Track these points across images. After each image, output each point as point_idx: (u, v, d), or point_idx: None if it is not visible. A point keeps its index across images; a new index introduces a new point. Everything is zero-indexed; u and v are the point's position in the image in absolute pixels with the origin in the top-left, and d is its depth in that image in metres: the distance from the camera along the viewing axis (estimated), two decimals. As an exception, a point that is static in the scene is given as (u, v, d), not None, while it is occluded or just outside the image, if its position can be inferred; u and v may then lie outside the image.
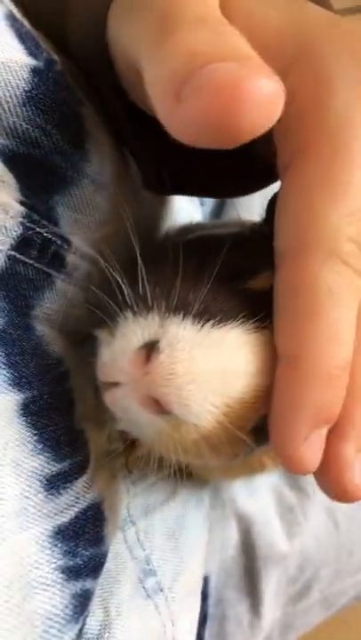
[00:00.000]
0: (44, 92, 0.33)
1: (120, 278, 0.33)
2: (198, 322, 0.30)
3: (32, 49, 0.34)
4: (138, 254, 0.34)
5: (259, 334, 0.30)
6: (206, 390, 0.29)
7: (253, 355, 0.30)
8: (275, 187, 0.32)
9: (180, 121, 0.22)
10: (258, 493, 0.61)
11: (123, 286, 0.32)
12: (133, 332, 0.30)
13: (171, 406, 0.29)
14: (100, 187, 0.38)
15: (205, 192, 0.47)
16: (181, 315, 0.30)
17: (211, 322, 0.30)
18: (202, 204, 0.69)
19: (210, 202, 0.69)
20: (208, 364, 0.29)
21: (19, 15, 0.36)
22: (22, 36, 0.34)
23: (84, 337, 0.42)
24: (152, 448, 0.34)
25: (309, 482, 0.63)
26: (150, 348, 0.29)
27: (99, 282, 0.38)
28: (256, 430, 0.32)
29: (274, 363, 0.29)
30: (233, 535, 0.59)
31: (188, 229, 0.51)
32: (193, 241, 0.38)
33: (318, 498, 0.63)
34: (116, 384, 0.31)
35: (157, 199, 0.50)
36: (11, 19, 0.34)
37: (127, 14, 0.29)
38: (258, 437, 0.32)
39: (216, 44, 0.22)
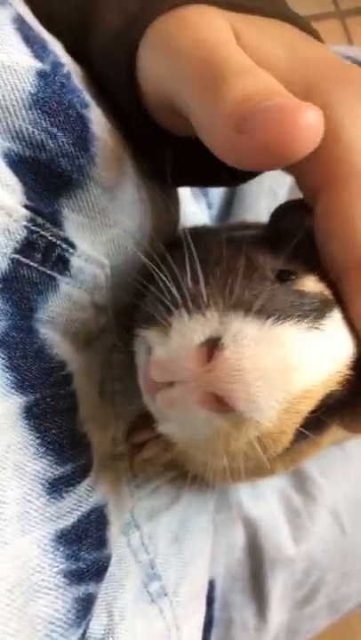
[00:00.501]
0: (50, 94, 0.33)
1: (166, 277, 0.32)
2: (259, 318, 0.29)
3: (38, 52, 0.34)
4: (187, 253, 0.33)
5: (313, 334, 0.30)
6: (272, 386, 0.28)
7: (310, 352, 0.30)
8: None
9: (242, 149, 0.27)
10: (264, 497, 0.61)
11: (169, 285, 0.32)
12: (192, 329, 0.29)
13: (237, 403, 0.28)
14: (107, 190, 0.38)
15: (204, 182, 0.49)
16: (242, 311, 0.29)
17: (271, 319, 0.29)
18: (209, 208, 0.69)
19: (216, 205, 0.69)
20: (273, 360, 0.28)
21: (27, 17, 0.36)
22: (29, 39, 0.34)
23: (89, 339, 0.42)
24: (197, 451, 0.33)
25: (316, 485, 0.63)
26: (211, 346, 0.29)
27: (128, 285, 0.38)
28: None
29: (325, 362, 0.30)
30: (239, 538, 0.59)
31: (209, 230, 0.51)
32: (228, 240, 0.38)
33: (325, 502, 0.62)
34: (170, 384, 0.30)
35: (167, 202, 0.50)
36: (18, 21, 0.34)
37: (163, 55, 0.33)
38: (300, 434, 0.32)
39: (261, 87, 0.28)
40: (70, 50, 0.38)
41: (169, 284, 0.32)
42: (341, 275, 0.32)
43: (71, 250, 0.37)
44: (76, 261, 0.37)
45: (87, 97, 0.37)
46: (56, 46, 0.37)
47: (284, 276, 0.34)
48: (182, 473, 0.52)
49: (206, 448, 0.32)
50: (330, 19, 1.66)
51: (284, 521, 0.60)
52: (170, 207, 0.49)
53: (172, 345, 0.30)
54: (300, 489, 0.63)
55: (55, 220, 0.36)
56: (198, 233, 0.49)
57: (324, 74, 0.31)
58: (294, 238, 0.36)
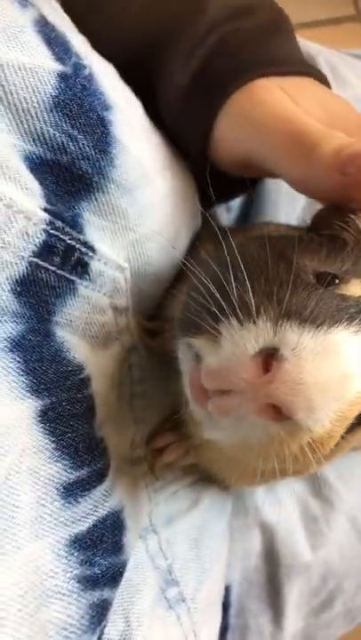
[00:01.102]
0: (71, 97, 0.33)
1: (209, 282, 0.32)
2: (314, 326, 0.29)
3: (60, 54, 0.34)
4: (230, 259, 0.33)
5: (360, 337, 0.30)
6: (331, 397, 0.29)
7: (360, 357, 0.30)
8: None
9: (348, 187, 0.37)
10: (282, 503, 0.60)
11: (214, 292, 0.31)
12: (246, 338, 0.29)
13: (297, 414, 0.28)
14: (126, 192, 0.38)
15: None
16: (296, 321, 0.29)
17: (324, 327, 0.29)
18: (228, 211, 0.68)
19: (235, 209, 0.69)
20: (331, 371, 0.29)
21: (51, 16, 0.36)
22: (51, 41, 0.34)
23: (108, 341, 0.41)
24: (247, 455, 0.33)
25: (334, 491, 0.62)
26: (266, 356, 0.29)
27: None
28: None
29: None
30: (256, 544, 0.58)
31: (244, 231, 0.51)
32: (267, 241, 0.38)
33: (343, 508, 0.61)
34: (226, 392, 0.30)
35: (191, 205, 0.50)
36: (40, 24, 0.34)
37: (242, 126, 0.42)
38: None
39: (344, 141, 0.37)
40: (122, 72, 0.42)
41: (214, 291, 0.31)
42: None
43: (91, 253, 0.37)
44: (95, 265, 0.37)
45: (110, 99, 0.37)
46: (80, 46, 0.37)
47: (325, 279, 0.33)
48: (202, 477, 0.52)
49: (258, 452, 0.31)
50: (350, 22, 1.65)
51: (301, 527, 0.59)
52: (194, 210, 0.49)
53: (224, 354, 0.30)
54: (318, 495, 0.61)
55: (76, 224, 0.35)
56: (233, 234, 0.48)
57: (349, 125, 0.39)
58: (334, 240, 0.37)
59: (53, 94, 0.32)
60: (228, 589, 0.56)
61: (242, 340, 0.29)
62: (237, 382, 0.29)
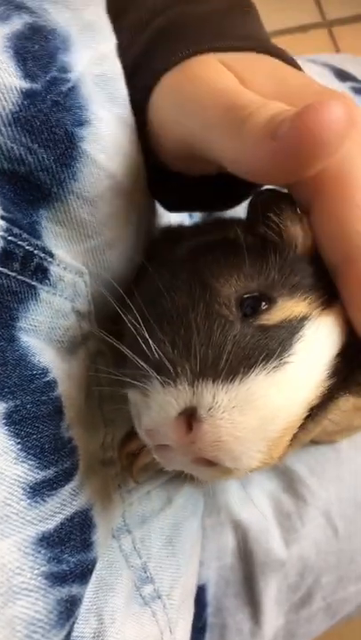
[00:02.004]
0: (34, 113, 0.34)
1: (136, 331, 0.34)
2: (227, 380, 0.31)
3: (33, 70, 0.35)
4: (139, 317, 0.35)
5: (281, 371, 0.32)
6: (252, 443, 0.31)
7: (283, 394, 0.32)
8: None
9: (279, 155, 0.30)
10: (254, 500, 0.61)
11: (136, 356, 0.34)
12: (167, 402, 0.32)
13: (224, 464, 0.31)
14: (86, 202, 0.39)
15: (200, 208, 0.52)
16: (211, 378, 0.31)
17: (239, 376, 0.31)
18: (190, 216, 0.70)
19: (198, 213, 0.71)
20: (248, 422, 0.31)
21: (54, 23, 0.37)
22: (25, 57, 0.35)
23: (74, 345, 0.42)
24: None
25: (306, 487, 0.63)
26: (189, 415, 0.31)
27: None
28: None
29: (303, 388, 0.33)
30: (229, 542, 0.59)
31: (173, 233, 0.52)
32: (192, 259, 0.39)
33: (316, 503, 0.62)
34: (165, 445, 0.33)
35: (151, 215, 0.51)
36: (17, 37, 0.35)
37: (179, 104, 0.38)
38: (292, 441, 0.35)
39: (279, 109, 0.32)
40: None
41: (139, 344, 0.34)
42: (337, 271, 0.35)
43: (50, 259, 0.38)
44: (55, 269, 0.38)
45: (88, 114, 0.37)
46: (75, 57, 0.38)
47: (249, 306, 0.35)
48: (174, 476, 0.53)
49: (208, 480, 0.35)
50: (318, 28, 1.69)
51: (274, 523, 0.60)
52: (153, 218, 0.50)
53: (153, 416, 0.33)
54: (290, 491, 0.62)
55: (34, 230, 0.36)
56: (186, 236, 0.49)
57: (306, 99, 0.33)
58: (263, 242, 0.37)
59: (13, 110, 0.34)
60: (203, 589, 0.57)
61: (164, 403, 0.32)
62: (167, 441, 0.32)
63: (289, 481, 0.63)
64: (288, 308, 0.35)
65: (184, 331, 0.33)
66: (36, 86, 0.35)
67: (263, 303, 0.35)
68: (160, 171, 0.44)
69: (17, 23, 0.36)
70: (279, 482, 0.63)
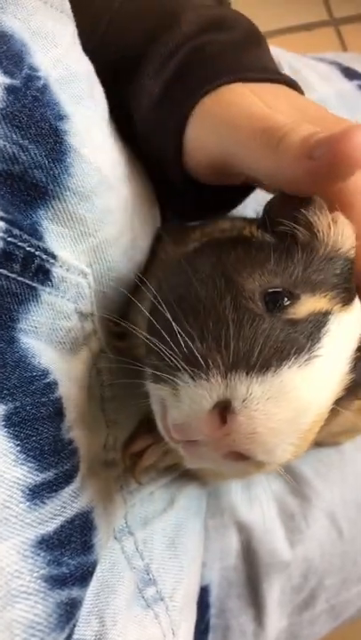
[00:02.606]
0: (20, 108, 0.34)
1: (162, 327, 0.34)
2: (261, 373, 0.31)
3: (9, 67, 0.35)
4: (170, 316, 0.35)
5: (311, 364, 0.32)
6: (286, 436, 0.31)
7: (314, 386, 0.32)
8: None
9: (315, 171, 0.36)
10: (258, 501, 0.61)
11: (164, 349, 0.33)
12: (201, 395, 0.32)
13: (257, 457, 0.31)
14: (83, 199, 0.39)
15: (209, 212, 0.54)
16: (245, 370, 0.31)
17: (272, 368, 0.31)
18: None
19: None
20: (282, 413, 0.31)
21: (15, 24, 0.37)
22: None
23: (76, 346, 0.42)
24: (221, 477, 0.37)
25: (311, 488, 0.62)
26: (222, 408, 0.31)
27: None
28: None
29: (330, 381, 0.33)
30: (233, 543, 0.58)
31: (178, 232, 0.52)
32: (216, 257, 0.39)
33: (321, 505, 0.62)
34: (193, 441, 0.33)
35: (153, 207, 0.51)
36: None
37: (214, 127, 0.44)
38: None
39: (311, 130, 0.37)
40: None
41: (167, 340, 0.33)
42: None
43: (52, 260, 0.37)
44: (57, 271, 0.38)
45: (66, 109, 0.38)
46: (41, 56, 0.38)
47: (273, 303, 0.35)
48: (177, 477, 0.53)
49: (231, 477, 0.35)
50: (324, 27, 1.67)
51: (278, 524, 0.60)
52: (153, 213, 0.50)
53: (184, 409, 0.32)
54: (295, 492, 0.62)
55: (35, 231, 0.36)
56: (193, 232, 0.49)
57: (326, 127, 0.38)
58: (285, 240, 0.38)
59: (1, 107, 0.33)
60: (206, 590, 0.57)
61: (197, 397, 0.32)
62: (200, 436, 0.32)
63: (294, 482, 0.63)
64: (312, 303, 0.35)
65: (213, 324, 0.33)
66: (16, 82, 0.35)
67: (286, 299, 0.35)
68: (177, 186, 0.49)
69: None
70: (284, 483, 0.63)
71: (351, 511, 0.63)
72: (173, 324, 0.33)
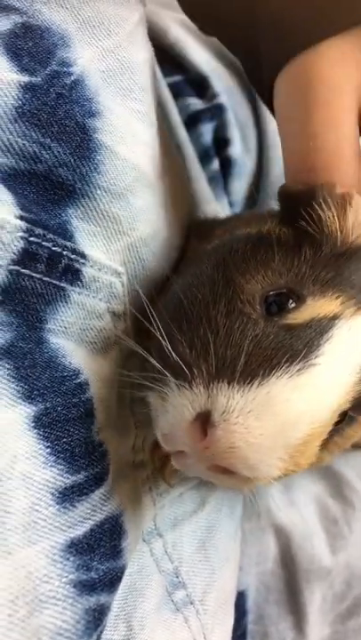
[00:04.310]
0: (39, 106, 0.35)
1: (163, 340, 0.34)
2: (245, 383, 0.30)
3: (29, 65, 0.35)
4: (158, 324, 0.35)
5: (306, 374, 0.31)
6: (269, 450, 0.30)
7: (306, 397, 0.31)
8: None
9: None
10: (298, 504, 0.60)
11: (160, 349, 0.34)
12: (183, 404, 0.32)
13: (240, 472, 0.31)
14: (116, 197, 0.39)
15: None
16: (226, 380, 0.31)
17: (257, 380, 0.30)
18: (231, 206, 0.69)
19: (239, 204, 0.70)
20: (265, 427, 0.30)
21: (53, 17, 0.37)
22: (19, 52, 0.35)
23: (107, 346, 0.42)
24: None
25: (355, 491, 0.61)
26: (204, 419, 0.31)
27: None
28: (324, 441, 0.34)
29: (329, 393, 0.32)
30: (271, 548, 0.58)
31: (204, 228, 0.51)
32: (222, 257, 0.38)
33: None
34: (181, 451, 0.33)
35: (188, 203, 0.51)
36: (7, 36, 0.35)
37: (291, 95, 0.40)
38: (325, 445, 0.35)
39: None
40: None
41: (160, 346, 0.34)
42: None
43: (82, 260, 0.38)
44: (88, 271, 0.38)
45: (99, 105, 0.38)
46: (91, 46, 0.38)
47: (278, 304, 0.34)
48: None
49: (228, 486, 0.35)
50: None
51: (319, 529, 0.59)
52: (187, 210, 0.49)
53: (169, 419, 0.33)
54: (338, 496, 0.61)
55: (65, 231, 0.37)
56: (217, 229, 0.48)
57: None
58: (297, 236, 0.36)
59: (16, 105, 0.34)
60: (243, 595, 0.57)
61: (180, 406, 0.32)
62: (183, 447, 0.32)
63: (336, 485, 0.62)
64: (318, 306, 0.34)
65: (202, 330, 0.33)
66: (36, 79, 0.35)
67: (291, 301, 0.34)
68: None
69: (5, 23, 0.36)
70: (326, 486, 0.62)
71: None
72: (162, 330, 0.33)
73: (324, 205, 0.35)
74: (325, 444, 0.36)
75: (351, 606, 0.61)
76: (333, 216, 0.35)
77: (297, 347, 0.31)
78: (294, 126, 0.39)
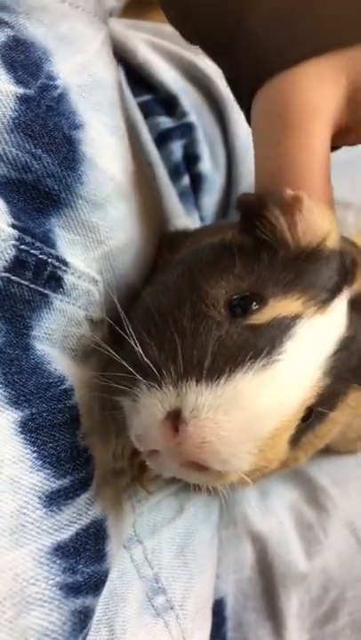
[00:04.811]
0: (33, 118, 0.36)
1: (134, 341, 0.35)
2: (212, 380, 0.32)
3: (24, 77, 0.37)
4: (130, 328, 0.36)
5: (270, 370, 0.33)
6: (240, 444, 0.32)
7: (271, 391, 0.33)
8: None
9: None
10: (273, 511, 0.61)
11: (131, 352, 0.35)
12: (154, 404, 0.33)
13: (212, 466, 0.32)
14: (96, 207, 0.41)
15: None
16: (195, 379, 0.32)
17: (225, 375, 0.32)
18: (202, 221, 0.71)
19: (209, 219, 0.72)
20: (234, 421, 0.32)
21: (38, 34, 0.39)
22: (14, 65, 0.37)
23: (87, 353, 0.43)
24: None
25: (329, 497, 0.63)
26: (175, 417, 0.32)
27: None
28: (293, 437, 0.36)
29: (295, 385, 0.33)
30: (248, 555, 0.59)
31: (174, 239, 0.53)
32: (188, 265, 0.40)
33: (339, 514, 0.62)
34: (155, 450, 0.34)
35: (161, 214, 0.52)
36: (3, 47, 0.37)
37: (264, 114, 0.41)
38: (295, 441, 0.36)
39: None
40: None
41: (133, 350, 0.35)
42: None
43: (64, 267, 0.39)
44: (69, 278, 0.40)
45: (82, 118, 0.40)
46: (63, 65, 0.40)
47: (242, 307, 0.36)
48: (185, 485, 0.54)
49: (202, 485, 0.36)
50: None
51: (295, 535, 0.61)
52: (160, 221, 0.51)
53: (141, 420, 0.34)
54: (313, 502, 0.63)
55: (48, 239, 0.38)
56: (184, 240, 0.50)
57: None
58: (257, 243, 0.38)
59: (13, 116, 0.35)
60: (222, 602, 0.58)
61: (151, 406, 0.33)
62: (156, 445, 0.33)
63: (311, 491, 0.64)
64: (280, 307, 0.35)
65: (170, 334, 0.34)
66: (30, 92, 0.37)
67: (254, 303, 0.36)
68: None
69: (2, 34, 0.38)
70: (301, 492, 0.64)
71: None
72: (133, 335, 0.35)
73: (275, 213, 0.37)
74: (299, 443, 0.38)
75: (328, 611, 0.62)
76: (283, 224, 0.37)
77: (261, 345, 0.33)
78: (268, 144, 0.40)
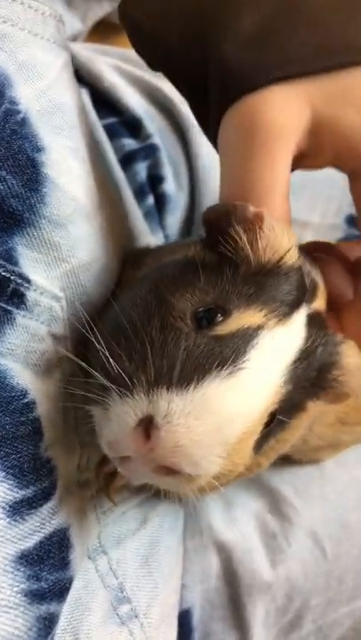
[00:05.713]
0: None
1: (100, 348, 0.37)
2: (182, 387, 0.34)
3: None
4: (100, 340, 0.38)
5: (235, 377, 0.35)
6: (210, 447, 0.34)
7: (237, 397, 0.35)
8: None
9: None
10: (238, 521, 0.63)
11: (102, 362, 0.36)
12: (125, 412, 0.35)
13: (184, 469, 0.34)
14: (58, 227, 0.42)
15: None
16: (166, 386, 0.34)
17: (193, 383, 0.34)
18: (166, 239, 0.74)
19: (174, 237, 0.74)
20: (204, 425, 0.34)
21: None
22: None
23: (49, 368, 0.45)
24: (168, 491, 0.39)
25: (292, 507, 0.65)
26: (147, 424, 0.34)
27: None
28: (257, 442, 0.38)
29: (259, 392, 0.36)
30: (213, 565, 0.61)
31: (135, 257, 0.56)
32: (153, 280, 0.43)
33: (302, 523, 0.64)
34: (126, 457, 0.36)
35: (125, 235, 0.54)
36: None
37: (232, 138, 0.43)
38: (259, 447, 0.39)
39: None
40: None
41: (102, 361, 0.37)
42: None
43: (26, 284, 0.41)
44: (31, 295, 0.41)
45: (44, 141, 0.42)
46: (24, 90, 0.41)
47: (207, 319, 0.38)
48: (150, 495, 0.55)
49: (176, 491, 0.38)
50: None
51: (259, 544, 0.62)
52: (123, 240, 0.53)
53: (112, 427, 0.35)
54: (276, 511, 0.65)
55: (10, 257, 0.40)
56: (149, 257, 0.53)
57: None
58: (220, 257, 0.41)
59: None
60: (189, 613, 0.59)
61: (123, 414, 0.35)
62: (128, 451, 0.35)
63: (274, 501, 0.66)
64: (243, 318, 0.38)
65: (140, 345, 0.36)
66: None
67: (219, 315, 0.38)
68: None
69: None
70: (264, 502, 0.65)
71: (334, 529, 0.66)
72: (104, 346, 0.37)
73: (238, 230, 0.39)
74: (262, 449, 0.40)
75: (293, 619, 0.64)
76: (245, 240, 0.39)
77: (226, 353, 0.35)
78: (234, 160, 0.42)
